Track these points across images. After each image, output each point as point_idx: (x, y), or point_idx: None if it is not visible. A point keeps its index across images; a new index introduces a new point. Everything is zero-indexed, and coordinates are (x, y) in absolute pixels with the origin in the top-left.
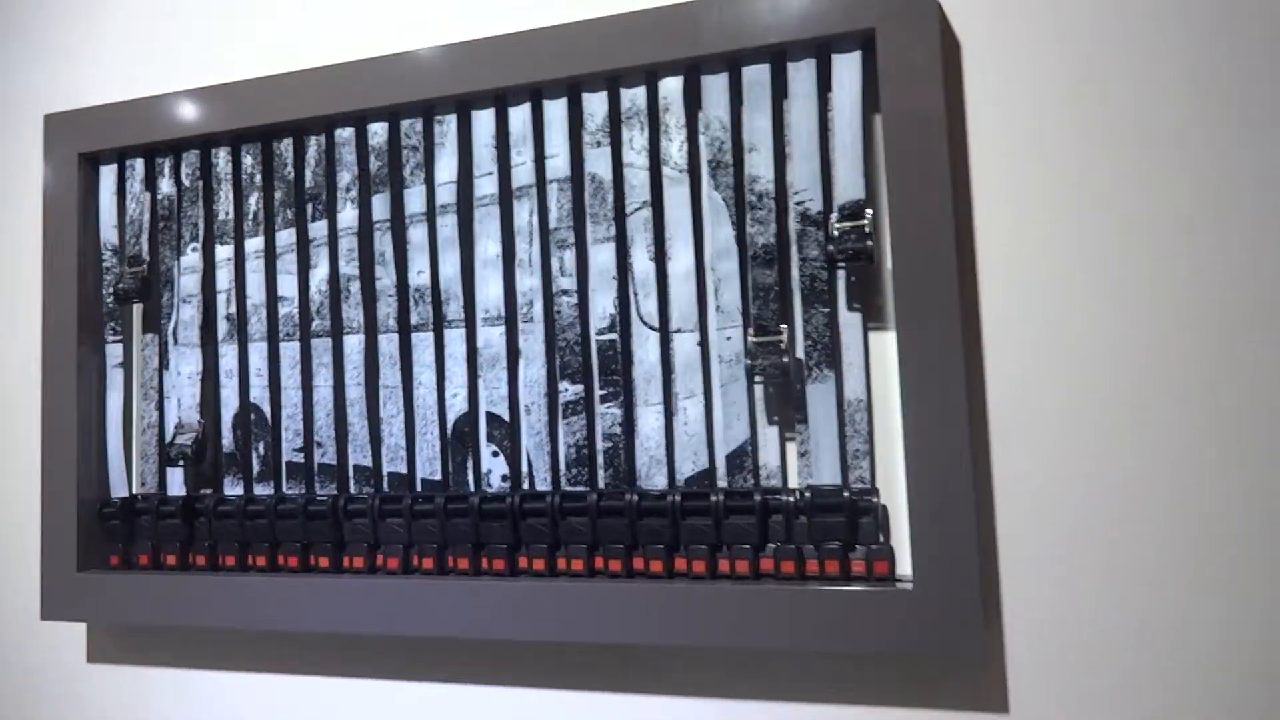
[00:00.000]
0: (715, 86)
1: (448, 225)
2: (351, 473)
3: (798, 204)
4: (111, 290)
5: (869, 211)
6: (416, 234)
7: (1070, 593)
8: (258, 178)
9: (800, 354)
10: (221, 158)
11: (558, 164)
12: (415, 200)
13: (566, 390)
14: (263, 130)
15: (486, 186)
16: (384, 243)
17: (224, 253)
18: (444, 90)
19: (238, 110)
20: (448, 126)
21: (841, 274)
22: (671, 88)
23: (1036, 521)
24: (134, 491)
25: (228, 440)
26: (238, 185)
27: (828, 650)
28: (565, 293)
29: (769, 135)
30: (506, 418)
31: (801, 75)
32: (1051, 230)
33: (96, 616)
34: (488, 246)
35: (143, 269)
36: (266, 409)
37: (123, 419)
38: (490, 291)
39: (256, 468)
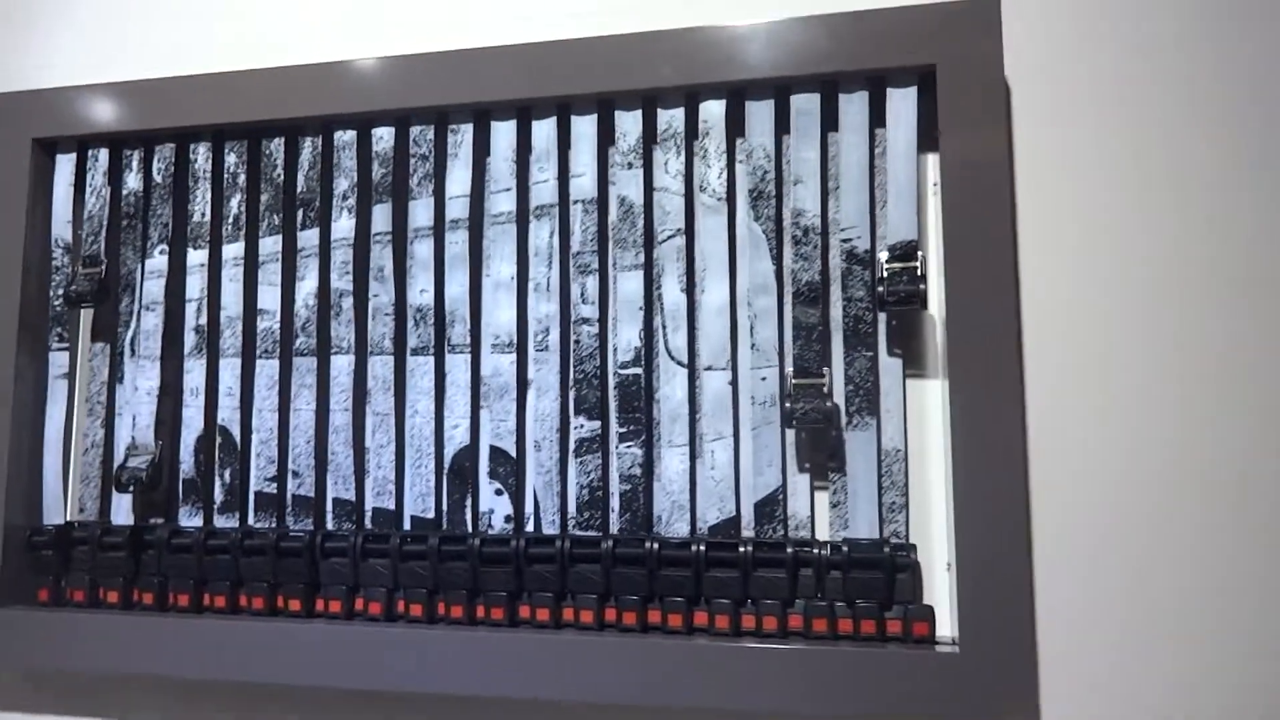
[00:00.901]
0: (760, 113)
1: (458, 242)
2: (330, 507)
3: (844, 241)
4: (62, 292)
5: (920, 254)
6: (421, 249)
7: (1111, 656)
8: (241, 178)
9: (840, 399)
10: (200, 153)
11: (584, 184)
12: (421, 213)
13: (582, 426)
14: (251, 127)
15: (503, 203)
16: (383, 257)
17: (197, 257)
18: (461, 98)
19: (224, 103)
20: (463, 136)
21: (882, 317)
22: (714, 111)
23: (1076, 580)
24: (70, 519)
25: (187, 465)
26: (218, 185)
27: (866, 715)
28: (586, 321)
29: (816, 168)
30: (513, 453)
31: (854, 108)
32: (1097, 280)
33: (20, 660)
34: (501, 268)
35: (100, 270)
36: (236, 432)
37: (63, 436)
38: (501, 316)
39: (220, 497)
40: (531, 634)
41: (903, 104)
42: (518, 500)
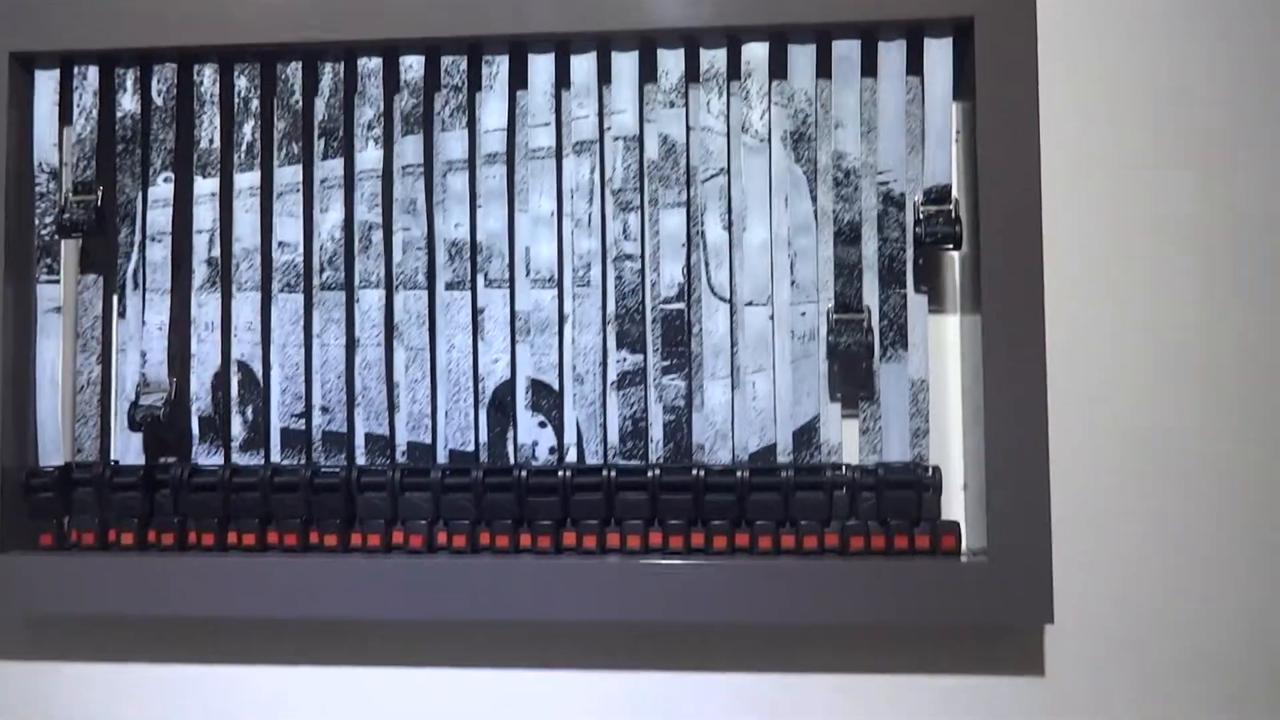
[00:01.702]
0: (802, 57)
1: (494, 176)
2: (362, 442)
3: (880, 184)
4: (53, 221)
5: (955, 197)
6: (455, 182)
7: (1116, 562)
8: (254, 104)
9: (876, 333)
10: (207, 75)
11: (624, 120)
12: (455, 146)
13: (624, 360)
14: (264, 50)
15: (542, 138)
16: (414, 189)
17: (206, 186)
18: (496, 29)
19: (234, 24)
20: (497, 68)
21: (908, 256)
22: (756, 54)
23: (1089, 495)
24: (67, 460)
25: (203, 402)
26: (227, 110)
27: (904, 622)
28: (629, 257)
29: (856, 113)
30: (556, 387)
31: (891, 55)
32: (1114, 220)
33: (31, 606)
34: (541, 203)
35: (95, 198)
36: (257, 368)
37: (60, 374)
38: (542, 251)
39: (243, 434)
40: (578, 560)
41: (939, 54)
42: (561, 431)
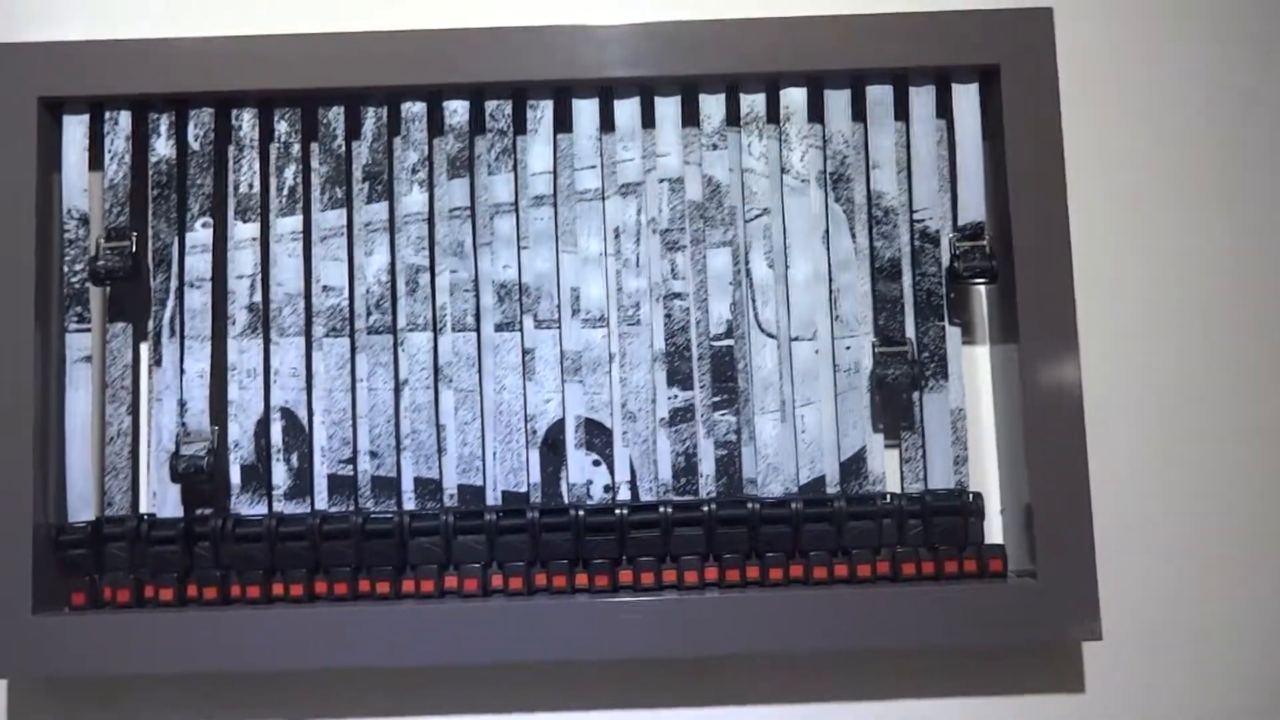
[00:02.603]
0: (838, 101)
1: (542, 218)
2: (411, 486)
3: (917, 221)
4: (85, 268)
5: (987, 233)
6: (503, 225)
7: (1156, 576)
8: (295, 148)
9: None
10: (246, 120)
11: (669, 163)
12: (501, 189)
13: (675, 397)
14: (303, 94)
15: (589, 180)
16: (462, 232)
17: (246, 231)
18: (539, 74)
19: (273, 68)
20: (542, 112)
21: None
22: (795, 98)
23: (1127, 513)
24: (99, 515)
25: (246, 451)
26: (266, 155)
27: (959, 644)
28: (678, 296)
29: (891, 153)
30: (609, 425)
31: (922, 99)
32: (1138, 253)
33: (66, 668)
34: (590, 244)
35: (129, 244)
36: (302, 414)
37: (90, 426)
38: (591, 291)
39: (289, 482)
40: (635, 598)
41: (967, 98)
42: (613, 469)
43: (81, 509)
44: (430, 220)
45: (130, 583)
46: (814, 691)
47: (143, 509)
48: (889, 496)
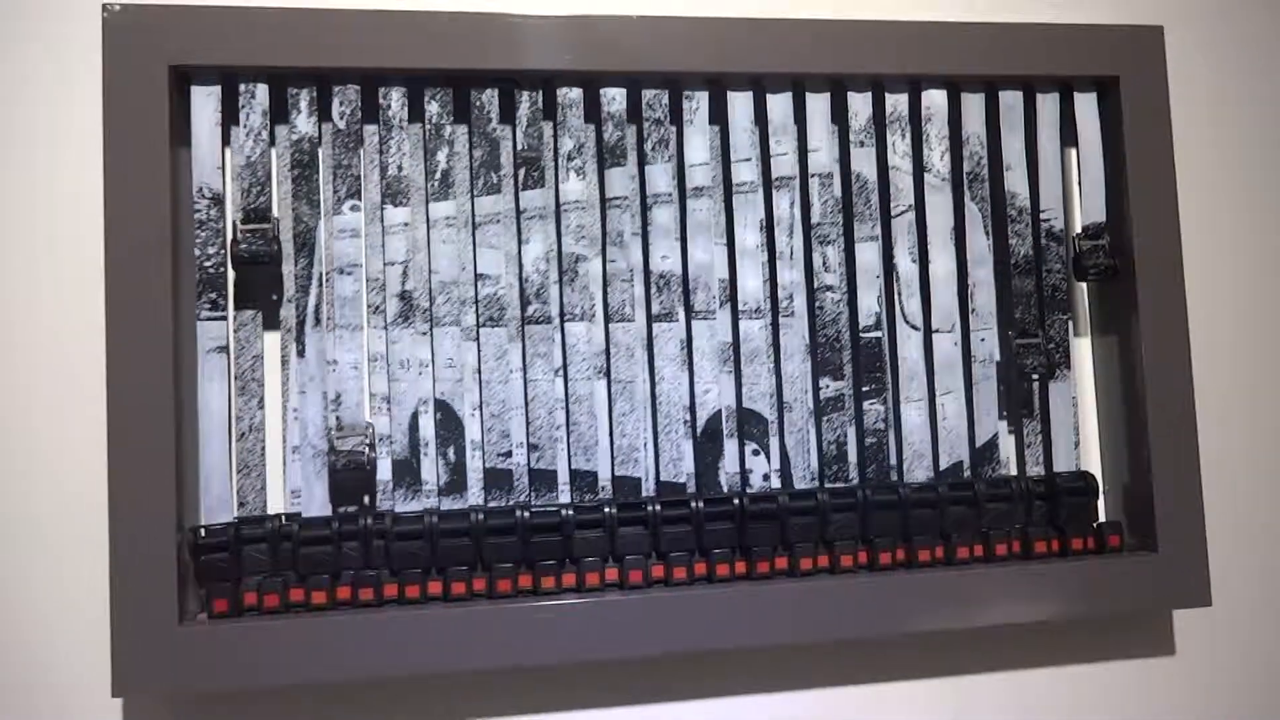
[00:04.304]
0: (974, 104)
1: (702, 209)
2: (567, 479)
3: (1043, 221)
4: (219, 251)
5: (1107, 233)
6: (662, 215)
7: (1260, 551)
8: (447, 129)
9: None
10: (394, 99)
11: (820, 158)
12: (660, 179)
13: (828, 387)
14: (456, 75)
15: (745, 173)
16: (622, 221)
17: (398, 216)
18: (694, 65)
19: (422, 46)
20: (698, 103)
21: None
22: (936, 100)
23: (1232, 494)
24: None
25: (400, 445)
26: (422, 137)
27: (1095, 617)
28: (830, 288)
29: (1022, 156)
30: (767, 415)
31: (1048, 106)
32: (1242, 251)
33: (219, 681)
34: (747, 236)
35: (271, 226)
36: (459, 406)
37: (229, 421)
38: (750, 283)
39: (445, 477)
40: (800, 582)
41: (1088, 107)
42: (770, 458)
43: (220, 510)
44: (589, 208)
45: (279, 586)
46: (949, 668)
47: (273, 509)
48: (1021, 480)
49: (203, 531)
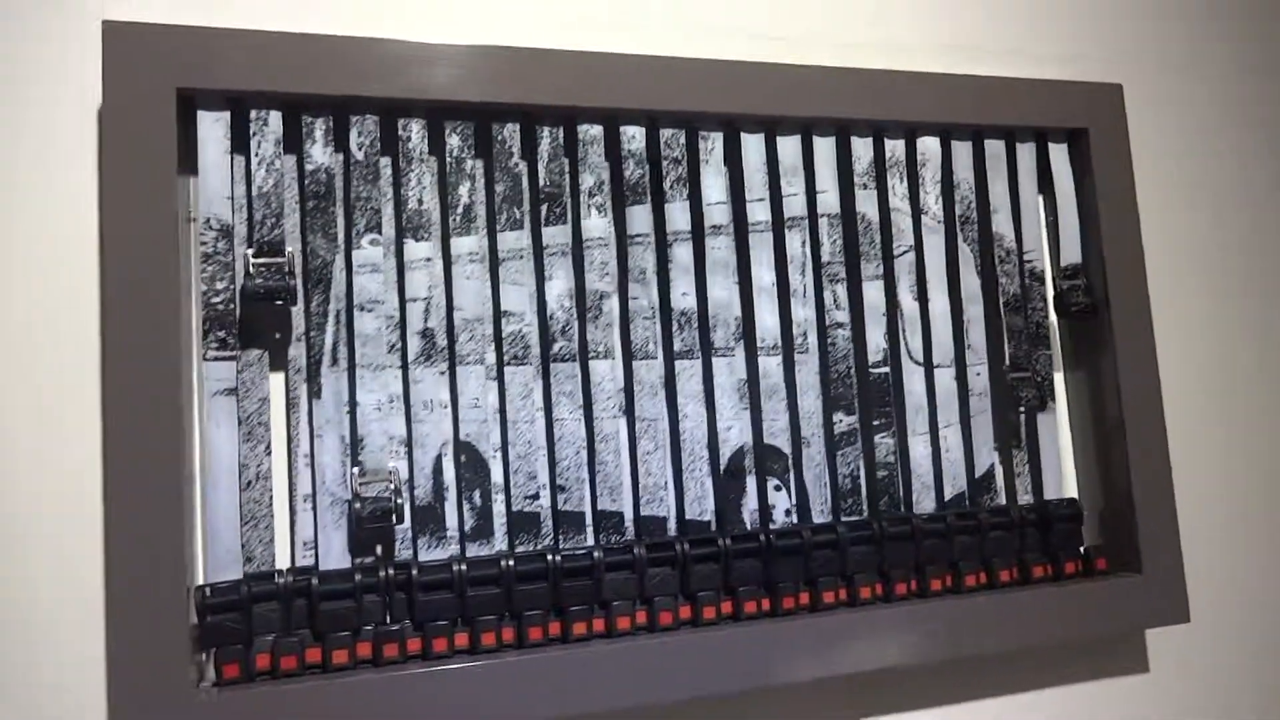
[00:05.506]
0: (963, 151)
1: (720, 247)
2: (591, 520)
3: (1026, 261)
4: (228, 286)
5: (1083, 274)
6: (681, 253)
7: (1232, 568)
8: (468, 164)
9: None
10: (414, 131)
11: (828, 199)
12: (679, 216)
13: (841, 421)
14: (477, 108)
15: (759, 213)
16: (644, 259)
17: (419, 251)
18: (709, 106)
19: (443, 78)
20: (713, 144)
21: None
22: (930, 146)
23: (1207, 514)
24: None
25: (423, 490)
26: (442, 170)
27: (1089, 637)
28: (840, 325)
29: (1007, 199)
30: (786, 451)
31: (1026, 154)
32: (1202, 283)
33: None
34: (762, 274)
35: (285, 261)
36: (486, 448)
37: (237, 468)
38: (767, 320)
39: (471, 522)
40: (822, 617)
41: (1062, 156)
42: (790, 493)
43: (229, 566)
44: (620, 246)
45: (295, 647)
46: (950, 695)
47: (280, 562)
48: (1016, 508)
49: (208, 590)
